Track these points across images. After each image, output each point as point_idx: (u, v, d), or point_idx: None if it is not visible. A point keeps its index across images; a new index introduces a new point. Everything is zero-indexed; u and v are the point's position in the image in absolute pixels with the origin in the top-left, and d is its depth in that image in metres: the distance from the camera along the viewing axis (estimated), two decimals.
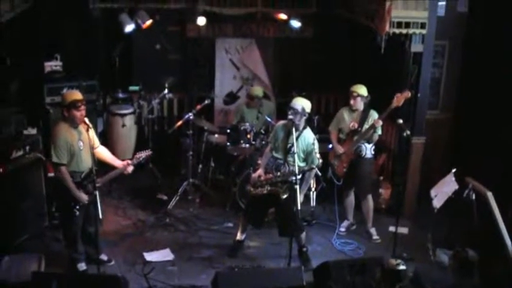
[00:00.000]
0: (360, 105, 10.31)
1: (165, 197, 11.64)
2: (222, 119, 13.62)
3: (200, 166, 12.14)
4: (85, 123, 8.66)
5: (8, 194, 9.46)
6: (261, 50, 13.63)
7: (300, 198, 8.90)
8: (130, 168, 9.15)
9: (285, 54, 13.85)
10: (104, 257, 9.47)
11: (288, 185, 9.26)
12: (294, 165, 9.04)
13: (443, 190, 9.70)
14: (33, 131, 10.12)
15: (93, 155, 8.78)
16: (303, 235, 9.74)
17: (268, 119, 11.86)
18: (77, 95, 8.81)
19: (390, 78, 11.42)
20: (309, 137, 9.39)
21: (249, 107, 12.22)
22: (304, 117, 9.30)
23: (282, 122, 9.71)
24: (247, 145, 11.44)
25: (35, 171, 9.97)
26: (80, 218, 8.91)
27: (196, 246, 10.23)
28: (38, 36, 11.78)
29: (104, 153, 9.26)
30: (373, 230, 10.72)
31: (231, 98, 12.65)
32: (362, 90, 10.30)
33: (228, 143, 11.58)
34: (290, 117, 9.23)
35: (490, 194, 8.82)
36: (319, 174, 11.30)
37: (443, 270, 9.03)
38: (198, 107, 11.60)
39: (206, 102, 11.73)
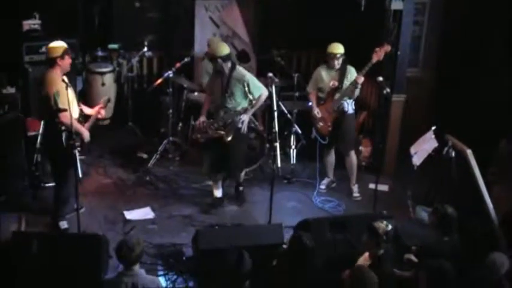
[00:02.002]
0: (339, 63, 10.29)
1: (145, 156, 11.60)
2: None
3: (180, 124, 12.08)
4: (63, 81, 8.57)
5: None
6: (241, 8, 13.52)
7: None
8: (103, 112, 9.31)
9: (265, 12, 13.74)
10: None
11: (230, 126, 9.52)
12: (237, 105, 9.52)
13: (423, 147, 9.74)
14: (12, 90, 10.07)
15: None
16: (242, 174, 10.08)
17: None
18: (63, 43, 8.80)
19: (370, 36, 11.37)
20: (239, 74, 9.60)
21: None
22: (223, 62, 9.52)
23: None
24: None
25: (15, 131, 9.90)
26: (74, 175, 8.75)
27: (177, 204, 10.26)
28: None
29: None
30: (355, 187, 10.72)
31: None
32: (340, 49, 10.22)
33: None
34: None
35: (469, 152, 8.87)
36: (299, 132, 11.34)
37: (423, 227, 9.09)
38: (178, 65, 11.53)
39: (186, 60, 11.67)
